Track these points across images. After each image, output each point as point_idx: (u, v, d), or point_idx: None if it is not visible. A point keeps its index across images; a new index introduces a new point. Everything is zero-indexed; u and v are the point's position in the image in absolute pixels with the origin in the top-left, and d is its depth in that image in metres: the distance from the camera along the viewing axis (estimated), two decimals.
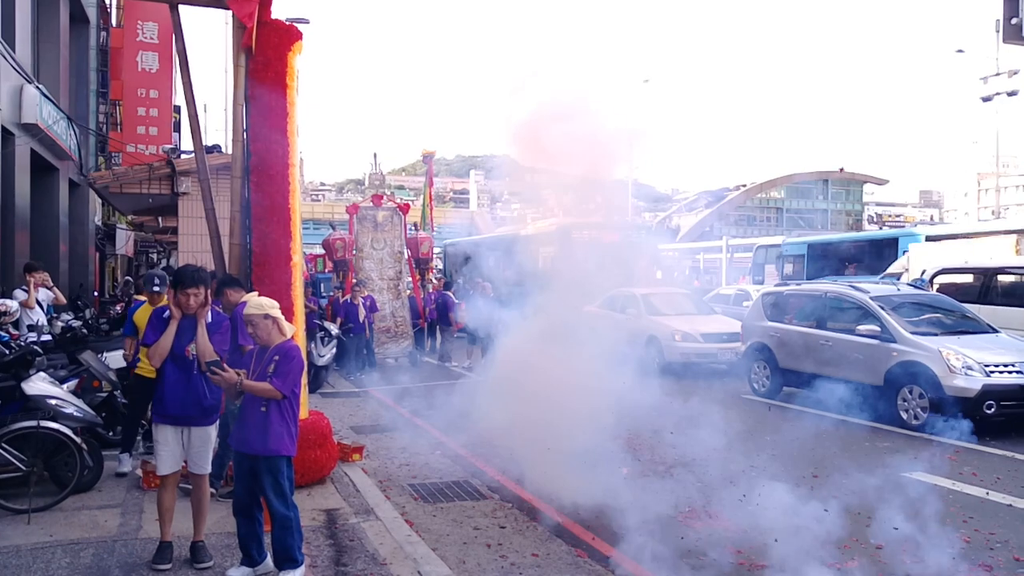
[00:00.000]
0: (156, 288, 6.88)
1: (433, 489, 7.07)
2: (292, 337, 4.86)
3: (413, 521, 6.07)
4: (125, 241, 26.30)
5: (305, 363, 4.91)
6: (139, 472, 6.91)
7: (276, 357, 4.62)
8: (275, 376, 4.56)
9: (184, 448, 5.07)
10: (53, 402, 6.37)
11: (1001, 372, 8.88)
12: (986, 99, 33.10)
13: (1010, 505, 6.35)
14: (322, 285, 19.31)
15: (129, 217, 22.56)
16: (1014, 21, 16.88)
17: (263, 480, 4.61)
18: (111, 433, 7.86)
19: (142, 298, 7.66)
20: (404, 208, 17.63)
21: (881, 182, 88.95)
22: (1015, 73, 32.00)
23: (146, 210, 17.68)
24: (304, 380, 6.99)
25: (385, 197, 18.15)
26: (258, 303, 4.70)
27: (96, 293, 21.37)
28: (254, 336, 4.70)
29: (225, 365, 4.59)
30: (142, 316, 6.80)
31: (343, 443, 7.92)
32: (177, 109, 21.49)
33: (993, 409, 8.71)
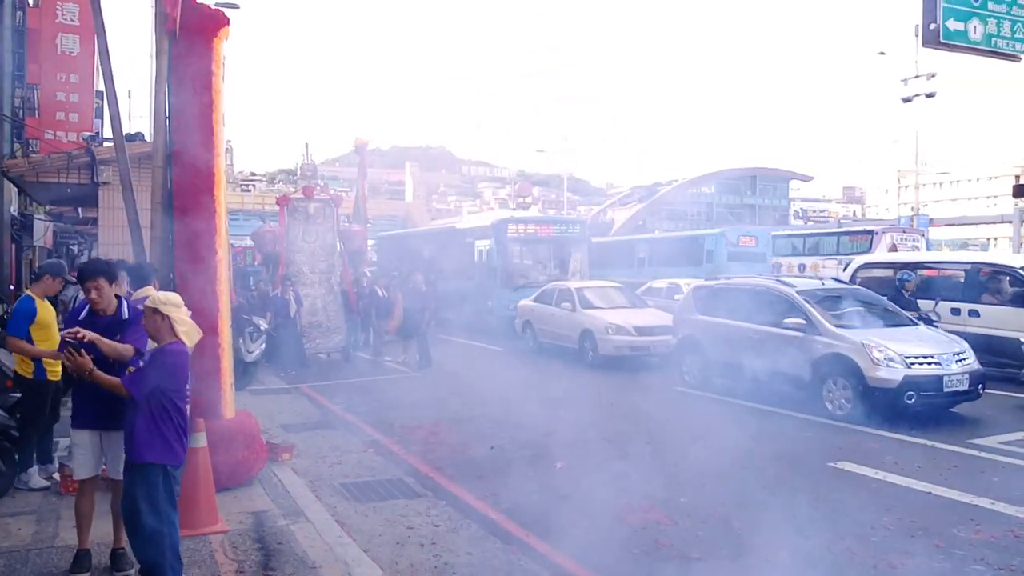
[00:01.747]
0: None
1: (365, 488, 6.94)
2: (218, 341, 4.58)
3: (344, 522, 5.95)
4: (43, 232, 25.16)
5: (184, 366, 4.40)
6: (56, 476, 6.61)
7: (150, 357, 4.35)
8: (132, 374, 4.26)
9: (103, 452, 4.86)
10: None
11: (921, 364, 9.19)
12: (906, 100, 34.28)
13: (929, 493, 6.56)
14: (251, 279, 18.86)
15: (47, 207, 21.61)
16: (932, 26, 17.45)
17: (135, 489, 4.28)
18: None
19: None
20: (337, 200, 17.32)
21: (807, 178, 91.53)
22: (933, 76, 33.23)
23: (65, 200, 16.96)
24: (230, 379, 6.82)
25: (318, 188, 17.78)
26: (155, 296, 4.41)
27: (12, 287, 20.42)
28: (145, 329, 4.38)
29: (83, 351, 4.27)
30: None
31: (272, 442, 7.73)
32: (100, 95, 20.61)
33: (913, 399, 9.01)
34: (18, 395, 7.30)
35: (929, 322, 10.97)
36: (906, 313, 10.89)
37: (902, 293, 11.66)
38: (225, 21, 6.42)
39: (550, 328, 16.54)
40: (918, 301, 11.82)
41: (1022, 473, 7.20)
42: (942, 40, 17.75)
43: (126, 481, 4.39)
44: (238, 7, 21.72)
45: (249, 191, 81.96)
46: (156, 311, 4.28)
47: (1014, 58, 18.92)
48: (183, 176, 6.35)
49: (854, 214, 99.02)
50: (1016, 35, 18.41)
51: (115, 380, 4.27)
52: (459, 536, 5.73)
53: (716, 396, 11.44)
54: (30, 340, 6.15)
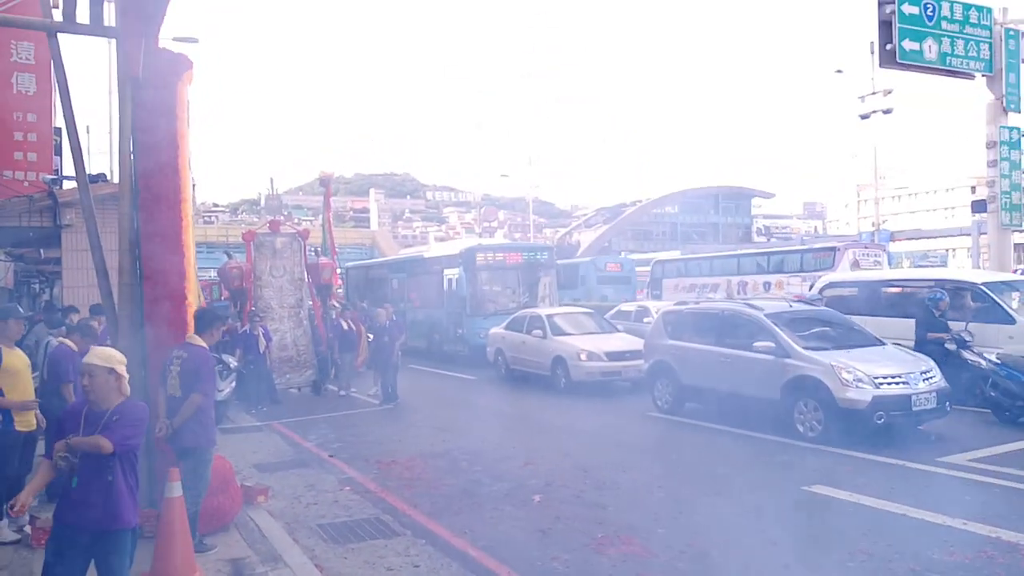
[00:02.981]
0: None
1: (343, 529, 6.86)
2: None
3: (323, 566, 5.87)
4: (4, 273, 24.68)
5: (146, 420, 4.30)
6: (28, 529, 6.43)
7: (115, 418, 4.08)
8: (107, 429, 4.03)
9: None
10: None
11: (889, 383, 9.33)
12: (864, 116, 35.03)
13: (904, 515, 6.64)
14: None
15: (7, 249, 21.19)
16: (888, 47, 17.99)
17: (117, 558, 4.06)
18: None
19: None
20: (304, 234, 17.22)
21: (768, 195, 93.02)
22: (889, 92, 34.03)
23: (27, 242, 16.66)
24: None
25: (283, 221, 17.68)
26: (105, 354, 4.22)
27: None
28: (88, 390, 4.12)
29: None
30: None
31: (246, 485, 7.63)
32: (58, 132, 20.36)
33: (883, 419, 9.14)
34: None
35: (963, 343, 10.96)
36: (938, 335, 11.06)
37: (933, 313, 11.46)
38: (189, 65, 6.42)
39: (522, 355, 16.55)
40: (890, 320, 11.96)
41: (990, 491, 7.32)
42: (898, 60, 18.28)
43: (105, 551, 4.11)
44: (197, 41, 21.60)
45: (212, 223, 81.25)
46: (112, 370, 4.13)
47: (968, 76, 19.53)
48: (150, 220, 6.30)
49: (815, 230, 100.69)
50: (969, 54, 19.02)
51: (93, 440, 4.02)
52: None
53: (689, 421, 11.51)
54: None
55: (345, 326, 16.01)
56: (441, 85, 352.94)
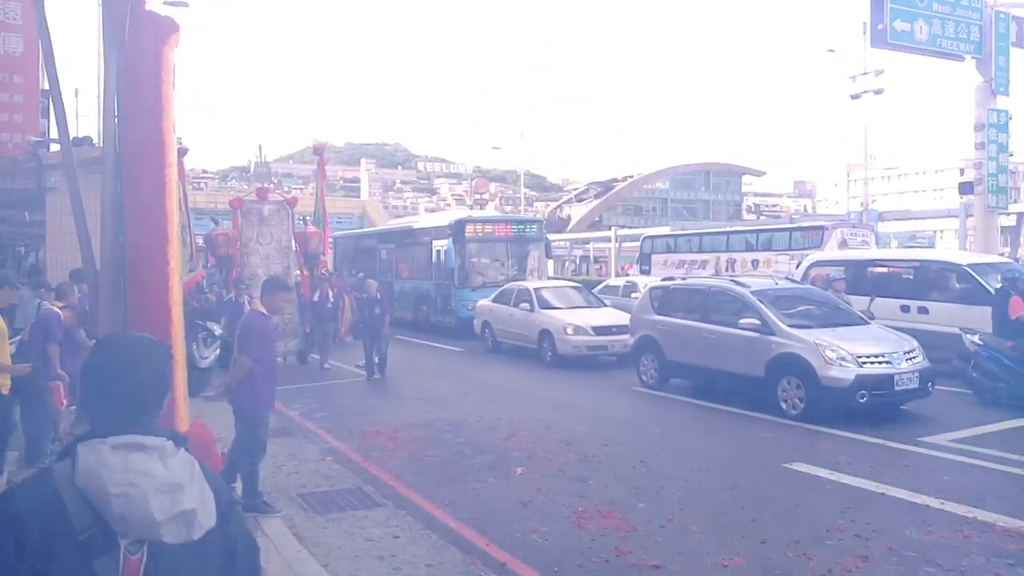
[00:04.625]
0: None
1: (324, 498, 6.86)
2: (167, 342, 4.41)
3: (302, 535, 5.88)
4: None
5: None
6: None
7: None
8: None
9: None
10: None
11: (872, 363, 9.38)
12: (855, 96, 34.93)
13: (883, 494, 6.69)
14: (204, 282, 18.51)
15: None
16: (880, 27, 17.93)
17: None
18: None
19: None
20: (292, 201, 17.11)
21: (759, 173, 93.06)
22: (880, 72, 33.92)
23: (10, 204, 16.45)
24: (184, 390, 6.70)
25: (272, 188, 17.54)
26: None
27: None
28: None
29: None
30: None
31: (227, 453, 7.60)
32: (45, 94, 20.07)
33: (866, 398, 9.20)
34: None
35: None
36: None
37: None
38: (175, 28, 6.26)
39: (509, 328, 16.57)
40: (851, 298, 11.95)
41: (970, 472, 7.40)
42: (889, 40, 18.25)
43: None
44: (187, 5, 21.25)
45: (201, 189, 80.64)
46: None
47: (958, 58, 19.51)
48: (133, 185, 6.21)
49: (805, 208, 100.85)
50: (960, 36, 18.99)
51: None
52: (419, 547, 5.70)
53: (673, 396, 11.57)
54: None
55: (329, 296, 15.84)
56: (436, 81, 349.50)
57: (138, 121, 6.18)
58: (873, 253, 18.26)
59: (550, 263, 26.25)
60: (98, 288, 6.39)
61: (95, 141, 14.96)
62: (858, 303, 11.87)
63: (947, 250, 32.42)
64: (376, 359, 13.88)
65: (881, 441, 8.49)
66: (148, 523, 1.69)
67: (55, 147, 14.16)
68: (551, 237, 25.00)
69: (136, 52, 6.06)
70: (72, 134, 7.33)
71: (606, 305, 16.80)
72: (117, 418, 1.80)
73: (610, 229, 50.06)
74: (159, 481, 1.72)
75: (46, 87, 20.06)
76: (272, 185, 16.81)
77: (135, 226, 6.31)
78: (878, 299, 12.47)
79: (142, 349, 1.95)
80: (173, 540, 1.73)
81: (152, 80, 6.17)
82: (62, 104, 6.53)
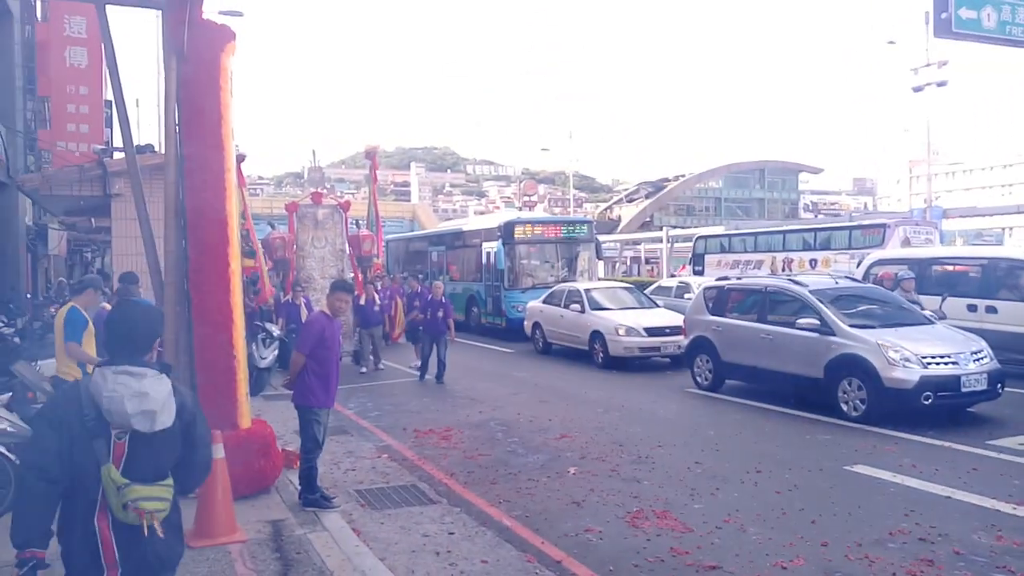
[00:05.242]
0: None
1: (380, 495, 6.95)
2: (233, 352, 4.61)
3: (360, 529, 5.96)
4: (57, 241, 25.37)
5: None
6: None
7: None
8: None
9: None
10: None
11: (938, 363, 9.10)
12: (917, 89, 33.98)
13: (948, 497, 6.50)
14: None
15: (60, 217, 21.78)
16: (944, 16, 17.36)
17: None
18: None
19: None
20: (345, 205, 17.38)
21: (816, 171, 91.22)
22: (944, 64, 32.94)
23: (78, 211, 17.08)
24: (245, 388, 6.86)
25: (326, 193, 17.84)
26: None
27: (29, 295, 20.59)
28: None
29: None
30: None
31: (287, 450, 7.76)
32: (109, 104, 20.80)
33: (931, 400, 8.94)
34: (39, 406, 7.43)
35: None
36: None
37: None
38: (231, 36, 6.45)
39: (559, 329, 16.54)
40: (923, 298, 11.67)
41: None
42: (954, 29, 17.63)
43: None
44: (242, 15, 21.75)
45: (257, 195, 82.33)
46: None
47: None
48: (194, 190, 6.39)
49: (865, 206, 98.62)
50: None
51: None
52: (474, 544, 5.72)
53: (728, 398, 11.41)
54: None
55: (376, 300, 15.51)
56: (441, 82, 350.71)
57: (198, 127, 6.36)
58: (938, 251, 17.71)
59: (600, 264, 26.14)
60: (162, 290, 6.61)
61: (156, 148, 15.40)
62: (925, 303, 11.54)
63: (1016, 247, 31.33)
64: (436, 363, 13.75)
65: (947, 444, 8.24)
66: (123, 414, 2.71)
67: (118, 155, 14.63)
68: (601, 238, 24.84)
69: (195, 60, 6.24)
70: (135, 142, 7.57)
71: (658, 306, 16.65)
72: (120, 354, 2.86)
73: (661, 229, 49.60)
74: (133, 391, 2.73)
75: (109, 98, 20.78)
76: (326, 190, 17.10)
77: (197, 230, 6.51)
78: (937, 298, 12.09)
79: (140, 312, 3.08)
80: (141, 428, 2.73)
81: (211, 87, 6.35)
82: (126, 113, 6.77)
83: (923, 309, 10.94)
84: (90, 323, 6.86)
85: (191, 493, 3.76)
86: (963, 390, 9.07)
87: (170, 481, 2.86)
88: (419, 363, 14.41)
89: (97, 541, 2.75)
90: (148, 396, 2.74)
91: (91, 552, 2.75)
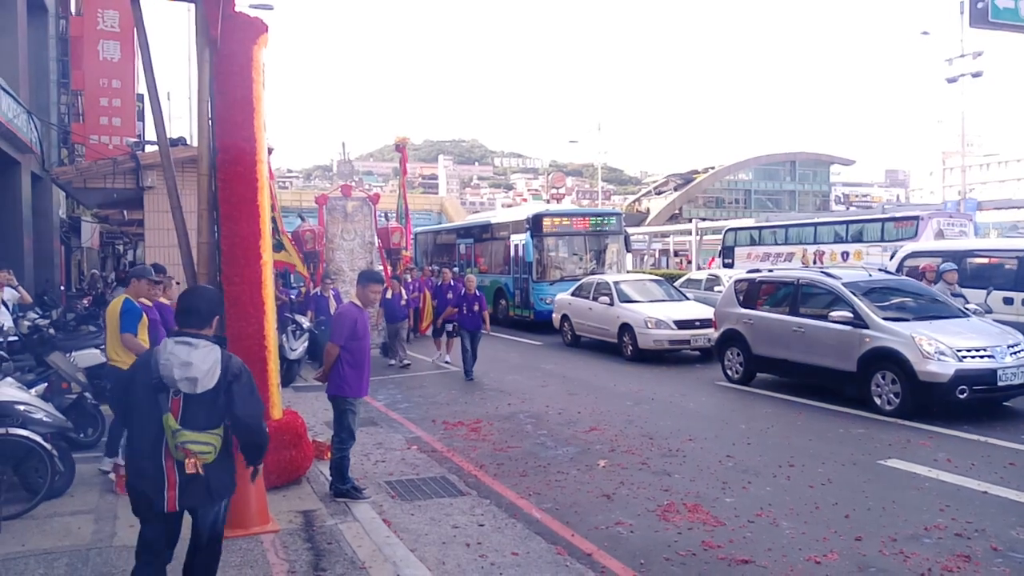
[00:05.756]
0: None
1: (410, 486, 6.98)
2: (264, 344, 4.74)
3: (391, 520, 5.99)
4: (90, 234, 25.78)
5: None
6: (112, 476, 6.76)
7: None
8: None
9: None
10: (21, 408, 6.22)
11: (973, 357, 8.95)
12: (951, 80, 33.43)
13: (985, 492, 6.40)
14: (291, 276, 19.07)
15: (94, 210, 22.11)
16: (980, 5, 17.01)
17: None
18: (82, 435, 7.70)
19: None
20: (374, 198, 17.43)
21: (848, 162, 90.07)
22: (979, 55, 32.38)
23: (111, 204, 17.31)
24: (276, 379, 6.91)
25: (355, 186, 17.91)
26: None
27: (63, 287, 20.95)
28: None
29: None
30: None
31: (318, 440, 7.81)
32: (141, 97, 21.04)
33: (966, 394, 8.79)
34: (74, 396, 7.59)
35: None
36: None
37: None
38: (264, 28, 6.47)
39: (588, 322, 16.49)
40: (967, 291, 11.46)
41: None
42: (990, 19, 17.25)
43: None
44: (271, 8, 21.86)
45: (286, 188, 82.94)
46: None
47: None
48: (227, 182, 6.43)
49: (897, 198, 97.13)
50: None
51: None
52: (504, 535, 5.73)
53: (759, 391, 11.31)
54: None
55: (403, 295, 15.28)
56: (470, 75, 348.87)
57: (230, 118, 6.40)
58: (972, 243, 17.38)
59: (629, 257, 25.98)
60: (195, 281, 6.66)
61: (188, 141, 15.55)
62: (970, 296, 11.33)
63: None
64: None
65: (983, 438, 8.10)
66: (171, 379, 3.55)
67: (151, 148, 14.79)
68: (629, 231, 24.69)
69: (228, 52, 6.27)
70: (167, 134, 7.63)
71: (688, 299, 16.53)
72: (184, 323, 3.78)
73: (691, 222, 49.25)
74: (180, 360, 3.56)
75: (141, 92, 21.04)
76: (355, 183, 17.13)
77: (229, 222, 6.55)
78: (979, 291, 11.87)
79: (203, 292, 4.11)
80: (185, 390, 3.56)
81: (243, 79, 6.38)
82: (159, 105, 6.81)
83: (967, 303, 10.75)
84: (144, 315, 6.99)
85: (254, 462, 4.01)
86: (999, 384, 8.91)
87: (219, 431, 3.67)
88: (439, 355, 14.71)
89: (163, 468, 3.63)
90: (192, 365, 3.54)
91: (158, 474, 3.63)
